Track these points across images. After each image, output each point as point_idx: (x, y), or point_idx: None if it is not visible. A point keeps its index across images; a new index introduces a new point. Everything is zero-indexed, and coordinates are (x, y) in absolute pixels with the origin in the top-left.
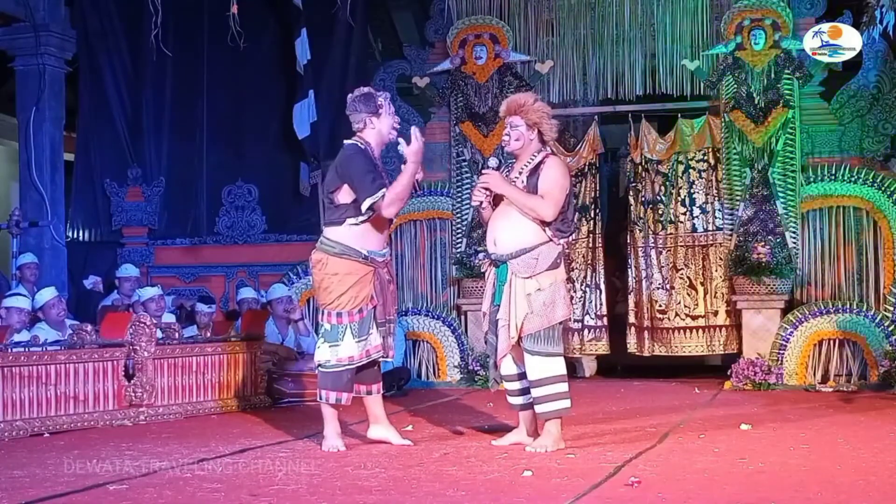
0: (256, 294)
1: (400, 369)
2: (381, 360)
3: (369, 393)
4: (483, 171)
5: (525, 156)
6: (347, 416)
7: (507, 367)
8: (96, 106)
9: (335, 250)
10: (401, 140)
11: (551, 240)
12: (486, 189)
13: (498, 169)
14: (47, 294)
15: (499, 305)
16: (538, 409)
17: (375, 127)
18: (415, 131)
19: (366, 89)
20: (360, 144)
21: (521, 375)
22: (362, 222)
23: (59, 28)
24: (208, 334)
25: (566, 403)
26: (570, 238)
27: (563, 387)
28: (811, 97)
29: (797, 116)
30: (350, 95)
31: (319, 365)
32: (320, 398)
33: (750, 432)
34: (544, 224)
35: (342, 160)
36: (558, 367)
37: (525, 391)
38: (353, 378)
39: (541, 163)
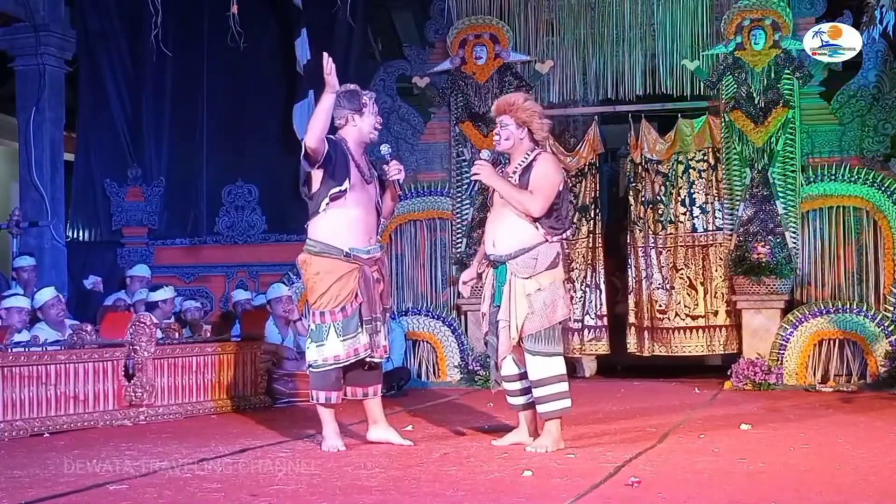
0: (249, 294)
1: (400, 369)
2: (369, 359)
3: (366, 395)
4: (476, 162)
5: (518, 155)
6: (347, 416)
7: (508, 367)
8: (96, 106)
9: (315, 249)
10: (385, 145)
11: (545, 237)
12: (477, 180)
13: (492, 163)
14: (47, 294)
15: (499, 306)
16: (540, 408)
17: (357, 125)
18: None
19: (352, 86)
20: (331, 138)
21: (522, 376)
22: (333, 198)
23: (59, 28)
24: (207, 334)
25: (567, 403)
26: (566, 235)
27: (564, 386)
28: (811, 97)
29: (797, 116)
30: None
31: (310, 365)
32: (312, 398)
33: (750, 432)
34: (535, 220)
35: None
36: (559, 366)
37: (526, 391)
38: (340, 376)
39: (533, 160)
